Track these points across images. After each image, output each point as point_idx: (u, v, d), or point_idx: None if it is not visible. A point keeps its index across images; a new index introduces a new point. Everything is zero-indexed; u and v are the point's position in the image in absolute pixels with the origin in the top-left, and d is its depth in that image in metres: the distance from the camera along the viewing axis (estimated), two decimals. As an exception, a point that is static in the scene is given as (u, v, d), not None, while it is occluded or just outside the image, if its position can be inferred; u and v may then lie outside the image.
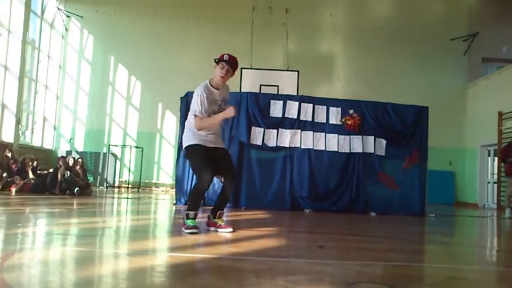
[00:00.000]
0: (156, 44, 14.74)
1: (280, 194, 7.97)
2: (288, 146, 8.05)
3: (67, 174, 9.30)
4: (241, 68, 10.12)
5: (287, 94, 8.82)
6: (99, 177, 14.27)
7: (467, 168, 14.71)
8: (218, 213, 4.20)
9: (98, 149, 14.57)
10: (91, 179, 12.90)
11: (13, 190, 8.86)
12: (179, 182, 7.92)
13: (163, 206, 8.09)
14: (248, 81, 10.29)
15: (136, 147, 14.15)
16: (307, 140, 8.09)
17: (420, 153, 8.26)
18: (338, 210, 7.89)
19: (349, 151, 8.10)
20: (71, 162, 9.93)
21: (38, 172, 9.92)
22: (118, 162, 14.63)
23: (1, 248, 3.01)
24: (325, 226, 5.85)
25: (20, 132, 12.75)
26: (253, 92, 8.79)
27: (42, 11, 14.01)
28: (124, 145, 14.27)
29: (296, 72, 10.85)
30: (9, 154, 10.30)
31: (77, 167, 9.80)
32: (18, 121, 12.39)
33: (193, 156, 4.13)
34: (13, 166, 9.88)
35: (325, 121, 8.15)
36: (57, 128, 14.91)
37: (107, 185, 13.83)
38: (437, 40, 14.90)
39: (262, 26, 14.52)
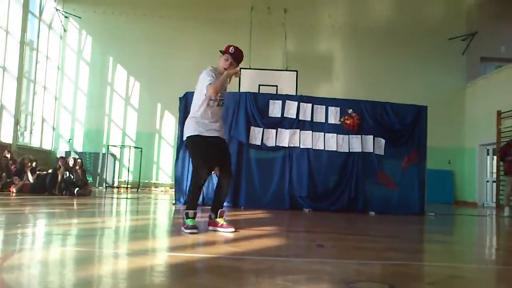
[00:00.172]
0: (155, 44, 14.75)
1: (279, 193, 7.97)
2: (287, 146, 8.05)
3: (66, 174, 9.31)
4: (240, 69, 10.10)
5: (286, 94, 8.82)
6: (98, 177, 14.27)
7: (466, 167, 14.73)
8: (219, 212, 4.15)
9: (97, 149, 14.57)
10: (90, 179, 12.90)
11: (13, 190, 8.86)
12: (178, 182, 7.91)
13: (163, 206, 8.09)
14: (247, 81, 10.27)
15: (135, 147, 14.14)
16: (306, 139, 8.09)
17: (418, 153, 8.27)
18: (337, 209, 7.89)
19: (348, 151, 8.10)
20: (70, 162, 9.92)
21: (37, 172, 9.91)
22: (117, 163, 14.63)
23: (1, 249, 3.01)
24: (324, 225, 5.85)
25: (18, 133, 12.74)
26: (252, 92, 8.77)
27: (40, 12, 13.99)
28: (123, 146, 14.27)
29: (295, 72, 10.83)
30: (8, 155, 10.30)
31: (76, 168, 9.79)
32: (16, 122, 12.38)
33: (193, 148, 4.11)
34: (12, 167, 9.88)
35: (324, 120, 8.15)
36: (56, 128, 14.90)
37: (106, 185, 13.82)
38: (435, 39, 14.92)
39: (261, 26, 14.52)
